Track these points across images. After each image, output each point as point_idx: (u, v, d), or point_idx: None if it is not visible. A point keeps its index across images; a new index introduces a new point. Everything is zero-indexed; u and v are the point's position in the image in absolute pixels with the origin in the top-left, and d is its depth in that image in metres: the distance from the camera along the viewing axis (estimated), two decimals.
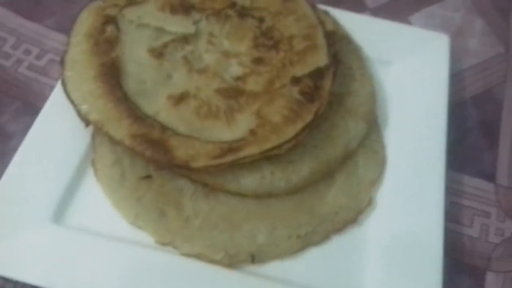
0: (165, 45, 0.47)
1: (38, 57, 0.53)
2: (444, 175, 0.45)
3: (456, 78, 0.56)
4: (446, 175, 0.45)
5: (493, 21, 0.62)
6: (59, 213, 0.41)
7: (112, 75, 0.44)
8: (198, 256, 0.40)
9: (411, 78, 0.51)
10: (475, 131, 0.53)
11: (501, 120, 0.54)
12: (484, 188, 0.49)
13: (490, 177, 0.50)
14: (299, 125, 0.43)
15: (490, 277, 0.45)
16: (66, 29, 0.48)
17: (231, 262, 0.40)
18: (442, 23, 0.61)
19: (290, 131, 0.43)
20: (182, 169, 0.41)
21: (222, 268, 0.40)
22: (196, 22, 0.49)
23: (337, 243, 0.43)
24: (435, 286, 0.40)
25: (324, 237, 0.42)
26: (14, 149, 0.43)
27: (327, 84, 0.46)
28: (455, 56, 0.56)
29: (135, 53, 0.46)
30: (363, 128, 0.47)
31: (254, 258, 0.40)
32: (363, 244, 0.43)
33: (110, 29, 0.47)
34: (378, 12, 0.61)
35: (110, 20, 0.47)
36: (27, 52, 0.53)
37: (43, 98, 0.47)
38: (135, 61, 0.45)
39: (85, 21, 0.47)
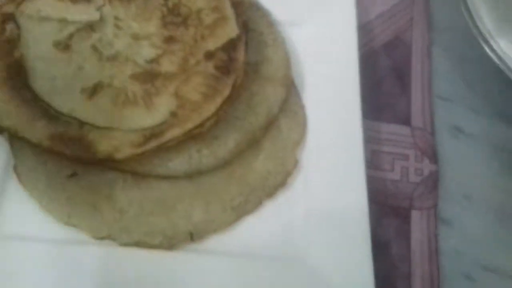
0: (71, 36, 0.45)
1: None
2: (361, 126, 0.47)
3: (365, 29, 0.57)
4: (364, 125, 0.47)
5: None
6: None
7: (19, 76, 0.43)
8: (138, 244, 0.41)
9: (321, 36, 0.52)
10: (388, 79, 0.56)
11: (411, 64, 0.57)
12: (401, 132, 0.52)
13: (406, 121, 0.53)
14: (218, 100, 0.44)
15: (414, 215, 0.48)
16: None
17: (171, 243, 0.41)
18: None
19: (210, 107, 0.43)
20: (108, 162, 0.41)
21: (163, 251, 0.41)
22: (99, 8, 0.47)
23: (270, 208, 0.44)
24: (363, 232, 0.42)
25: (257, 205, 0.44)
26: None
27: (240, 55, 0.46)
28: (362, 6, 0.58)
29: (40, 49, 0.44)
30: (281, 92, 0.48)
31: (193, 236, 0.42)
32: (294, 205, 0.44)
33: (9, 28, 0.45)
34: None
35: (8, 18, 0.45)
36: None
37: None
38: (42, 58, 0.44)
39: None
